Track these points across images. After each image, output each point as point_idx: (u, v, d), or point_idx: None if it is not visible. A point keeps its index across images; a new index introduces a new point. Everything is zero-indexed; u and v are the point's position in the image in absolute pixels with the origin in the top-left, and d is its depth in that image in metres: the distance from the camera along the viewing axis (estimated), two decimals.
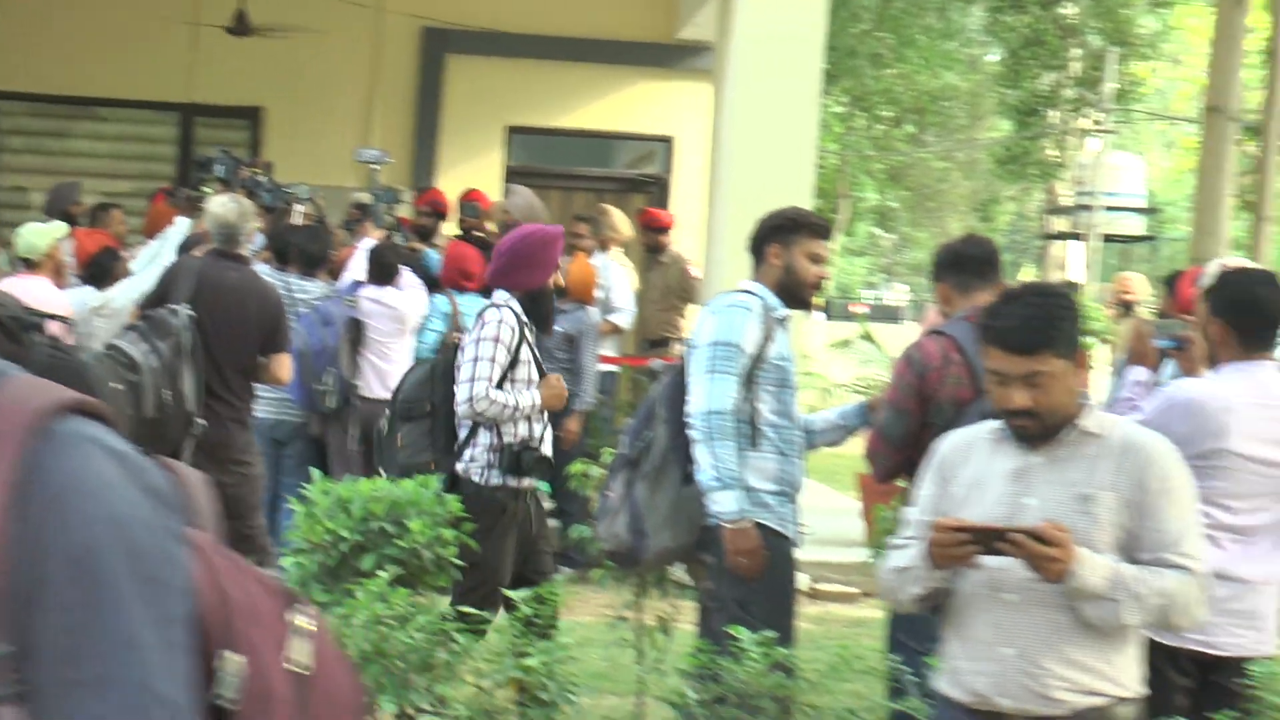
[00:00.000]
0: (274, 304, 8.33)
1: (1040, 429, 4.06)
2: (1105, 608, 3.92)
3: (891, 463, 5.90)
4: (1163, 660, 5.67)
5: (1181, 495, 4.15)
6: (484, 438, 6.93)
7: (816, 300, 6.67)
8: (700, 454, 5.92)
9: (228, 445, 7.91)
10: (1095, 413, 4.19)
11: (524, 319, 7.08)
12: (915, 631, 5.72)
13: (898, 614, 5.81)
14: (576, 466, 6.94)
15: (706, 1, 12.53)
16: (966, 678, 4.12)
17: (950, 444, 4.36)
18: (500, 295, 7.09)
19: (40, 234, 10.21)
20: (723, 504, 5.88)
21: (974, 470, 4.19)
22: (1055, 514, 3.94)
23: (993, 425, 4.21)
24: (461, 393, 6.80)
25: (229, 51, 14.00)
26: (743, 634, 4.84)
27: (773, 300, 6.23)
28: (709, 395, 5.92)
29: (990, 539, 3.86)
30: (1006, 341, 4.04)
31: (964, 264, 5.95)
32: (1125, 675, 4.12)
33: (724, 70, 11.36)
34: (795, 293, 6.36)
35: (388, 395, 10.06)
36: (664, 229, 12.59)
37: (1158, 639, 5.74)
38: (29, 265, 10.15)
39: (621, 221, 12.37)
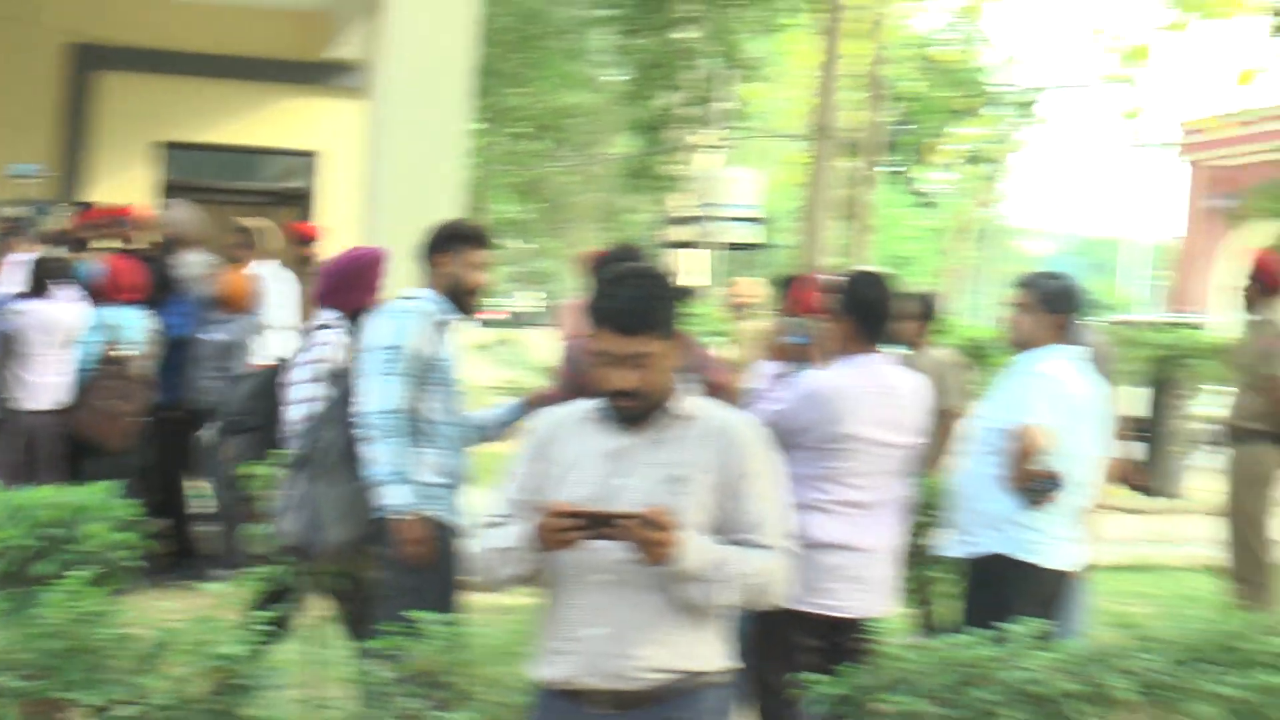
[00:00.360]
0: None
1: (642, 409, 4.11)
2: (703, 589, 3.98)
3: None
4: (793, 624, 5.95)
5: (767, 478, 4.22)
6: None
7: (478, 305, 6.73)
8: (371, 451, 6.05)
9: None
10: (689, 396, 4.23)
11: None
12: None
13: None
14: (242, 468, 6.92)
15: (352, 22, 12.42)
16: (556, 659, 4.13)
17: (547, 423, 4.38)
18: (330, 315, 7.00)
19: None
20: (393, 498, 6.07)
21: (572, 450, 4.20)
22: (650, 494, 4.00)
23: (590, 405, 4.23)
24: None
25: None
26: (422, 616, 4.85)
27: (440, 306, 6.45)
28: (379, 396, 6.07)
29: (599, 523, 3.85)
30: (614, 322, 4.06)
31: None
32: (712, 651, 4.18)
33: (376, 88, 11.30)
34: (461, 299, 6.58)
35: (46, 407, 9.90)
36: (311, 240, 12.51)
37: (787, 605, 5.99)
38: None
39: (272, 234, 12.10)
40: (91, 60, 14.77)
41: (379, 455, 6.03)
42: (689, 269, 29.33)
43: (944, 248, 36.92)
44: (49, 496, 6.11)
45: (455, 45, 10.75)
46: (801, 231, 18.90)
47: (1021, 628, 4.67)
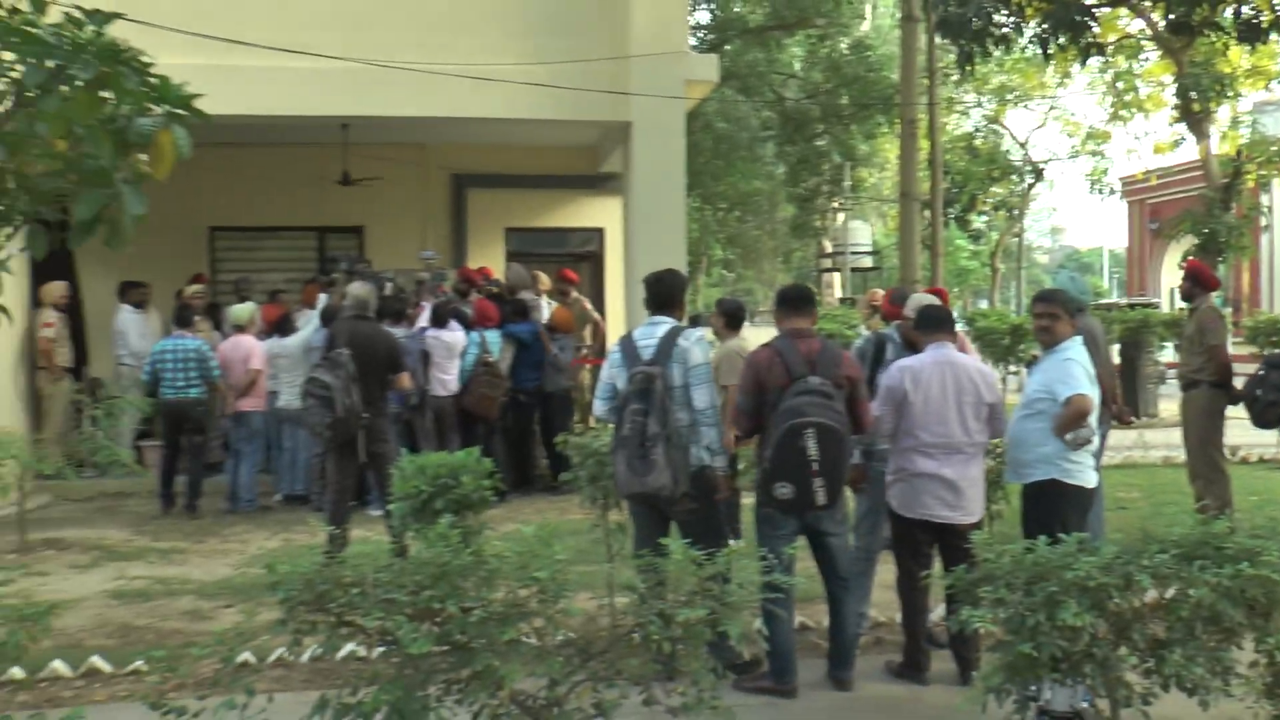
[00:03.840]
0: (394, 344, 8.01)
1: None
2: None
3: (748, 426, 5.43)
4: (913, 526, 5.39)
5: None
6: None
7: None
8: (708, 433, 5.41)
9: (378, 429, 7.68)
10: None
11: None
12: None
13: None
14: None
15: (615, 149, 12.21)
16: None
17: None
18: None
19: (244, 310, 10.37)
20: (719, 462, 5.44)
21: None
22: None
23: None
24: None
25: (341, 193, 13.49)
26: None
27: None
28: (708, 396, 5.44)
29: None
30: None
31: (787, 301, 5.52)
32: None
33: (628, 188, 11.13)
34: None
35: (447, 394, 9.84)
36: (572, 282, 12.25)
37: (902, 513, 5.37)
38: (239, 329, 10.24)
39: (543, 279, 11.93)
40: (464, 182, 14.73)
41: (711, 435, 5.41)
42: (832, 286, 29.34)
43: (988, 264, 35.93)
44: (438, 458, 5.77)
45: (673, 159, 10.76)
46: (899, 260, 18.29)
47: (1070, 537, 4.12)
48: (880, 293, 15.91)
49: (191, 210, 13.91)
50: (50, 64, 2.51)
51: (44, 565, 7.99)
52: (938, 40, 18.24)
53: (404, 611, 3.64)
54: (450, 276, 11.98)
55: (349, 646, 4.20)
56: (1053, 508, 5.19)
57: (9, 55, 2.54)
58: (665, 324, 5.61)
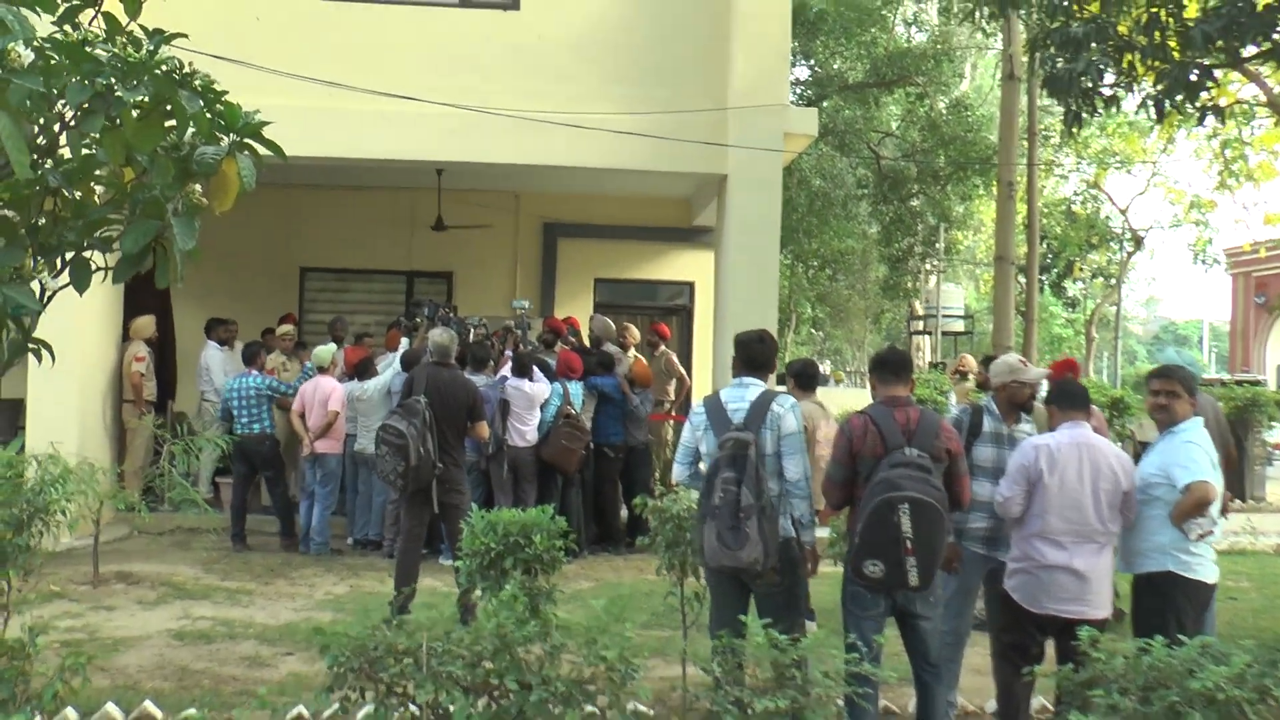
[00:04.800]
0: (474, 392, 7.86)
1: None
2: None
3: (839, 497, 5.09)
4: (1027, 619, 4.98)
5: None
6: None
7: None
8: (800, 505, 5.12)
9: (452, 479, 7.55)
10: None
11: None
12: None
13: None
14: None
15: (708, 203, 12.01)
16: None
17: None
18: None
19: (326, 352, 10.22)
20: (810, 535, 5.18)
21: None
22: None
23: None
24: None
25: (432, 239, 13.57)
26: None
27: None
28: (801, 467, 5.14)
29: None
30: None
31: (885, 366, 5.18)
32: None
33: (720, 242, 10.94)
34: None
35: (525, 445, 9.63)
36: (664, 336, 12.11)
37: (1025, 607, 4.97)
38: (321, 370, 10.11)
39: (637, 333, 11.71)
40: (555, 231, 14.70)
41: (802, 508, 5.12)
42: (922, 349, 28.85)
43: (1083, 332, 35.00)
44: (510, 515, 5.52)
45: (769, 214, 10.55)
46: (993, 325, 17.81)
47: (1191, 641, 3.75)
48: (969, 359, 15.54)
49: (284, 250, 14.13)
50: (101, 83, 2.33)
51: (113, 599, 7.91)
52: (1040, 100, 17.81)
53: (459, 685, 3.39)
54: (535, 326, 11.84)
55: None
56: (1167, 602, 4.76)
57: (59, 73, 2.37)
58: (756, 386, 5.32)
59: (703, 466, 5.26)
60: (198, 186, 2.61)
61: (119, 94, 2.35)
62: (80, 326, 9.92)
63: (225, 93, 2.73)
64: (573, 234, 14.58)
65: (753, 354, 5.42)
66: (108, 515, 8.62)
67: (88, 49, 2.33)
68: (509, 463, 9.72)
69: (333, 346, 10.53)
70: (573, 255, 14.65)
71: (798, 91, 22.64)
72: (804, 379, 7.30)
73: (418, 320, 10.67)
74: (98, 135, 2.38)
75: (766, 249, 10.44)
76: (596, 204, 14.25)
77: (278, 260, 14.17)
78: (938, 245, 26.77)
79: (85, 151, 2.55)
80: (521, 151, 10.44)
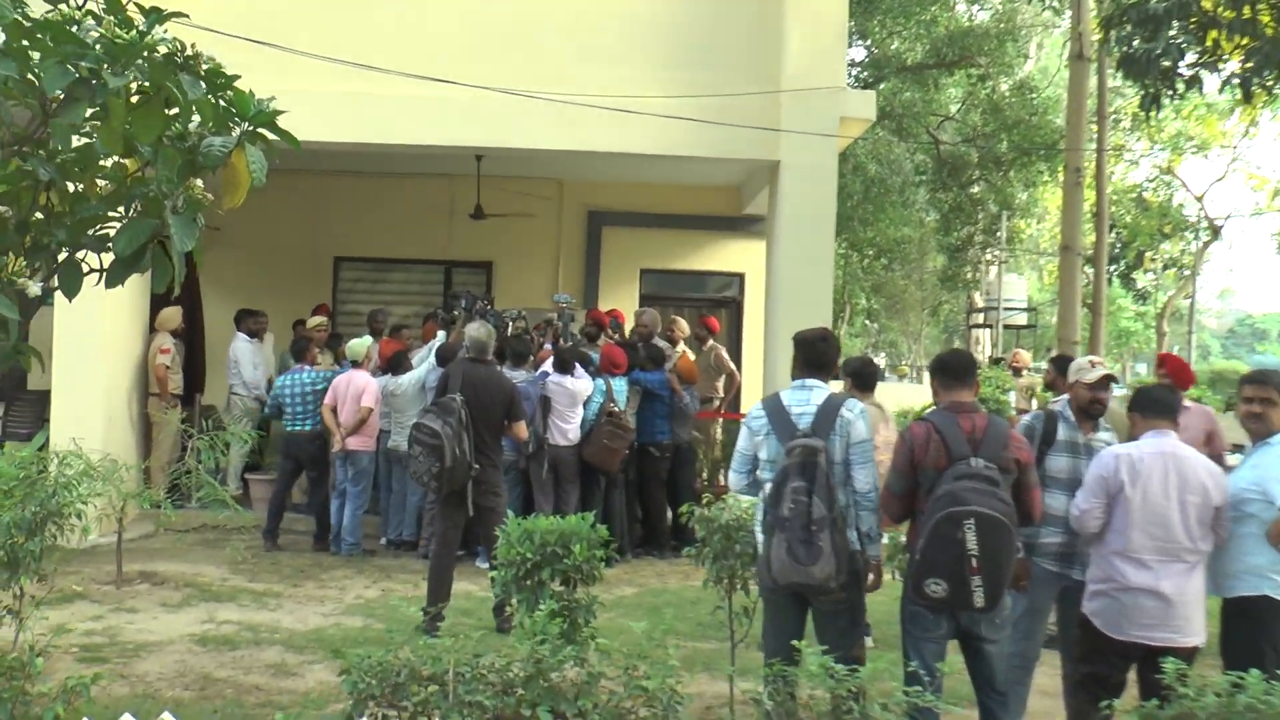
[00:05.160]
0: (511, 389, 7.74)
1: None
2: None
3: (899, 508, 4.88)
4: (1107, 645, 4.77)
5: None
6: None
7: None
8: (872, 518, 4.94)
9: (489, 480, 7.48)
10: None
11: None
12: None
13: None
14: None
15: (759, 190, 11.83)
16: None
17: None
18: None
19: (361, 344, 10.13)
20: (876, 550, 5.00)
21: None
22: None
23: None
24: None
25: (472, 228, 13.48)
26: None
27: None
28: (871, 478, 4.94)
29: None
30: None
31: (948, 370, 4.97)
32: None
33: (772, 231, 10.74)
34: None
35: (567, 443, 9.50)
36: (713, 330, 12.09)
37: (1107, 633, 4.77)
38: (355, 364, 10.03)
39: (685, 326, 11.66)
40: (600, 220, 14.59)
41: (870, 520, 4.93)
42: (982, 343, 28.46)
43: (1153, 326, 34.38)
44: (547, 524, 5.40)
45: (823, 202, 10.35)
46: (1058, 317, 17.46)
47: None
48: (1023, 354, 15.30)
49: (317, 239, 14.11)
50: (85, 67, 2.19)
51: (135, 601, 7.87)
52: (1113, 81, 17.40)
53: (489, 715, 3.25)
54: (579, 319, 11.71)
55: None
56: (1263, 631, 4.51)
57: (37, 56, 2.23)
58: (819, 389, 5.11)
59: (761, 474, 5.08)
60: (199, 181, 2.47)
61: (105, 79, 2.20)
62: (106, 317, 9.92)
63: (236, 77, 2.58)
64: (618, 223, 14.46)
65: (815, 354, 5.22)
66: (132, 512, 8.59)
67: (74, 29, 2.19)
68: (550, 462, 9.58)
69: (368, 339, 10.43)
70: (618, 245, 14.53)
71: (854, 73, 22.37)
72: (862, 378, 7.07)
73: (455, 313, 10.58)
74: (89, 124, 2.24)
75: (820, 238, 10.25)
76: (643, 192, 14.11)
77: (310, 249, 14.16)
78: (999, 234, 26.45)
79: (87, 142, 2.43)
80: (564, 137, 10.30)
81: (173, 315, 10.78)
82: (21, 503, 5.19)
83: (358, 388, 9.83)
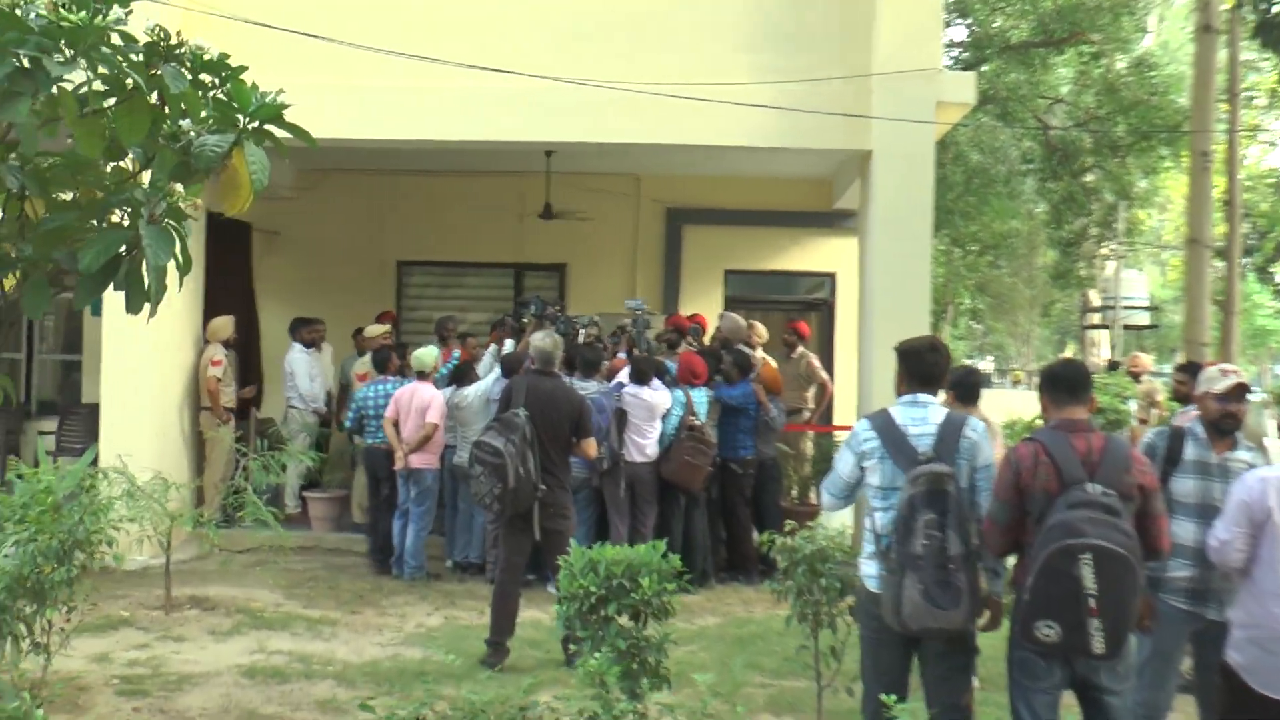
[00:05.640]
0: (580, 404, 7.58)
1: None
2: None
3: (1003, 541, 4.58)
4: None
5: None
6: None
7: None
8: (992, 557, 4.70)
9: (556, 502, 7.32)
10: None
11: None
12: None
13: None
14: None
15: (854, 182, 11.53)
16: None
17: None
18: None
19: (429, 354, 10.08)
20: (1000, 587, 4.80)
21: None
22: None
23: None
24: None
25: (542, 228, 13.37)
26: None
27: None
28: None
29: None
30: None
31: (1059, 383, 4.66)
32: None
33: (865, 228, 10.52)
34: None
35: (645, 460, 9.31)
36: (802, 336, 11.92)
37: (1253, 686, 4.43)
38: (421, 375, 9.94)
39: (764, 331, 11.46)
40: (679, 218, 14.40)
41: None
42: (1099, 345, 27.84)
43: None
44: (613, 554, 5.21)
45: (920, 194, 10.08)
46: (1185, 316, 16.90)
47: None
48: (1142, 358, 14.74)
49: (379, 242, 14.10)
50: (27, 55, 2.02)
51: (183, 628, 7.83)
52: (1245, 54, 16.78)
53: None
54: (657, 324, 11.55)
55: None
56: None
57: None
58: (935, 406, 4.85)
59: (872, 501, 4.80)
60: (179, 186, 2.30)
61: (48, 68, 2.04)
62: (156, 327, 9.83)
63: (242, 69, 2.41)
64: (699, 220, 14.25)
65: (924, 366, 4.92)
66: (183, 534, 8.59)
67: (16, 12, 2.02)
68: (626, 480, 9.41)
69: (433, 349, 10.31)
70: (699, 244, 14.33)
71: (952, 54, 21.95)
72: (965, 390, 6.74)
73: (524, 320, 10.48)
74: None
75: (917, 234, 9.98)
76: (725, 187, 13.91)
77: (373, 253, 14.16)
78: (1116, 226, 25.81)
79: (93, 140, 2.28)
80: (640, 129, 10.16)
81: (224, 325, 10.78)
82: (48, 529, 5.12)
83: (423, 401, 9.72)
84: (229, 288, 12.02)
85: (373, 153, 12.11)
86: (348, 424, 10.37)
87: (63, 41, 1.97)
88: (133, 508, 7.37)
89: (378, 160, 13.00)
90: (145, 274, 2.22)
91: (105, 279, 2.25)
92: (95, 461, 8.97)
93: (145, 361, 9.99)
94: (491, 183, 13.93)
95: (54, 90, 1.98)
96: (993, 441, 6.80)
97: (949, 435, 4.70)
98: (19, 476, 6.23)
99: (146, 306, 2.44)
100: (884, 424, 4.81)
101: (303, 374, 11.36)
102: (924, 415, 4.79)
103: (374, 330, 11.49)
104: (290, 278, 13.90)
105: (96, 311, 9.49)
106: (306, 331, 11.65)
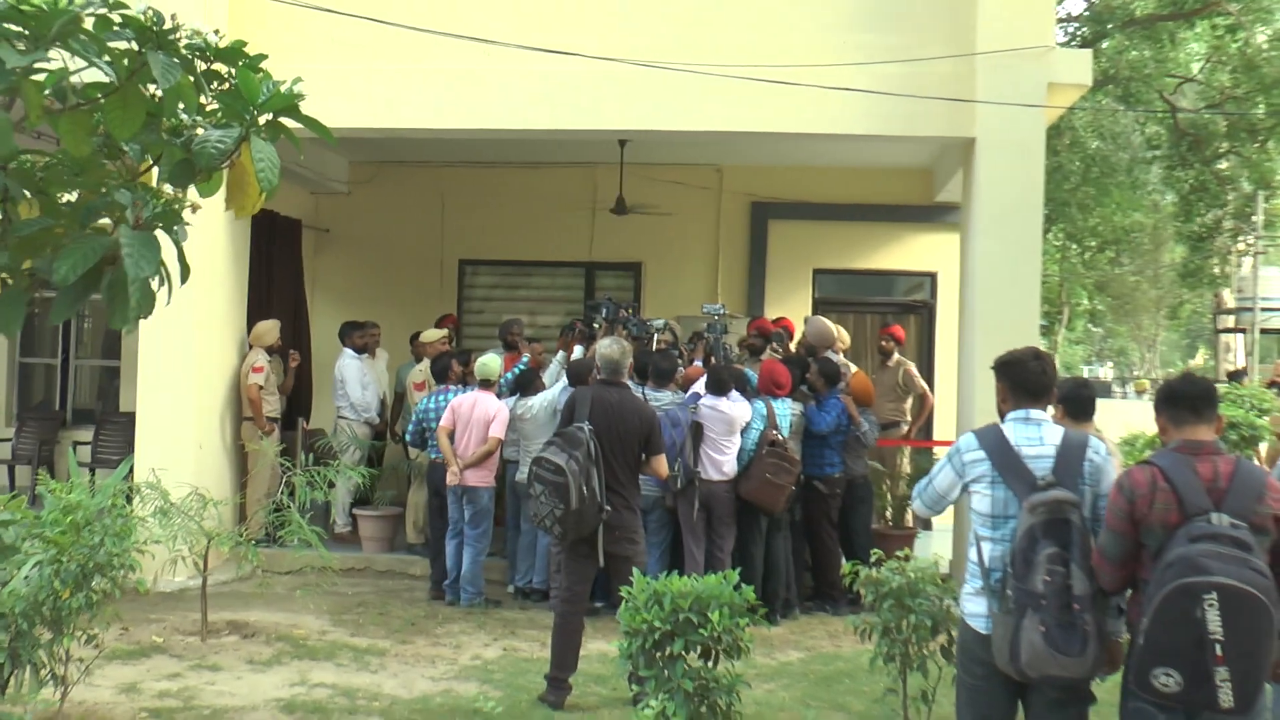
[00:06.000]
0: (650, 418, 7.44)
1: None
2: None
3: (1116, 577, 4.41)
4: None
5: None
6: None
7: None
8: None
9: (624, 525, 7.21)
10: None
11: None
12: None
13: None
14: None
15: (956, 172, 11.41)
16: None
17: None
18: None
19: (495, 361, 9.97)
20: (1122, 627, 4.60)
21: None
22: None
23: None
24: None
25: (616, 224, 13.41)
26: None
27: None
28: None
29: None
30: None
31: (1179, 400, 4.48)
32: None
33: (968, 223, 10.36)
34: None
35: (722, 478, 9.21)
36: (898, 341, 11.93)
37: None
38: (485, 384, 9.83)
39: (847, 337, 11.42)
40: (764, 213, 14.31)
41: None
42: (1234, 351, 27.28)
43: None
44: (680, 586, 5.15)
45: (1030, 186, 9.95)
46: None
47: None
48: None
49: (439, 239, 14.17)
50: None
51: (220, 656, 7.86)
52: None
53: None
54: (737, 328, 11.45)
55: None
56: None
57: None
58: (1048, 424, 4.70)
59: (979, 530, 4.66)
60: (167, 188, 2.25)
61: (8, 60, 1.98)
62: (196, 331, 10.03)
63: (262, 57, 2.36)
64: (787, 215, 14.18)
65: (1029, 377, 4.77)
66: (222, 553, 8.65)
67: None
68: (702, 500, 9.29)
69: (497, 356, 10.28)
70: (787, 241, 14.23)
71: (1067, 30, 21.60)
72: (1077, 404, 6.46)
73: (595, 324, 10.48)
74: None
75: (1026, 229, 9.84)
76: (815, 178, 13.84)
77: (431, 252, 14.24)
78: (1254, 219, 25.26)
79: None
80: (722, 116, 10.13)
81: (269, 330, 10.85)
82: (68, 550, 5.15)
83: (485, 413, 9.64)
84: (277, 289, 12.14)
85: (433, 143, 12.17)
86: (407, 437, 10.39)
87: (24, 28, 1.93)
88: (166, 526, 7.41)
89: (438, 151, 13.05)
90: (129, 286, 2.17)
91: (85, 290, 2.21)
92: (130, 475, 9.06)
93: (183, 368, 10.09)
94: (561, 175, 13.95)
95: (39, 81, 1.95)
96: (1114, 462, 6.62)
97: (1070, 457, 4.56)
98: (50, 491, 6.29)
99: (162, 308, 2.40)
100: (995, 443, 4.66)
101: (354, 381, 11.40)
102: (1039, 434, 4.65)
103: (432, 335, 11.49)
104: (343, 278, 14.01)
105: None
106: (358, 336, 11.69)
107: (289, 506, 8.27)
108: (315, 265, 13.92)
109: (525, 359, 10.66)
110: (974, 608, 4.63)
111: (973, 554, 4.66)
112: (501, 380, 10.18)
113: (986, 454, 4.64)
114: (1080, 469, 4.53)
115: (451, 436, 9.67)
